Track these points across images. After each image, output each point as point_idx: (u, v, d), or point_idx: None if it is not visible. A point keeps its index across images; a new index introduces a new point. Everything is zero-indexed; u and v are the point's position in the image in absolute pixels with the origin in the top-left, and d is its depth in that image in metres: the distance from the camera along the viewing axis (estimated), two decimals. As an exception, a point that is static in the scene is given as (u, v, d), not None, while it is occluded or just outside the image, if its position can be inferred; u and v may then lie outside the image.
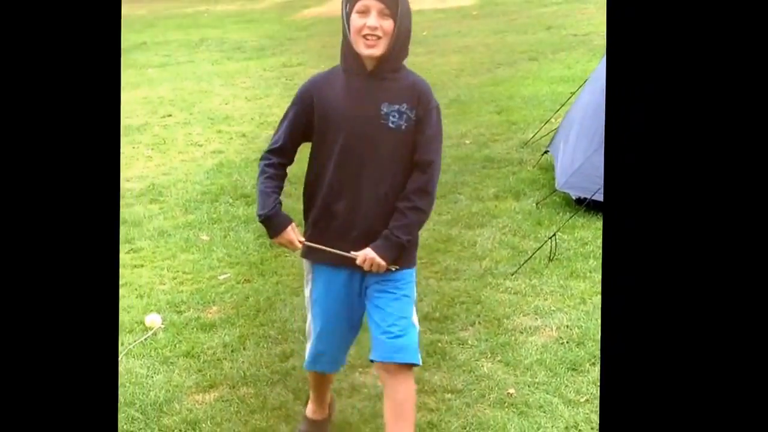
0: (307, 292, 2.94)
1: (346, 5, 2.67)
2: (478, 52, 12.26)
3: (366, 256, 2.72)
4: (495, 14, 15.44)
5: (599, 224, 5.59)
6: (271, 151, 2.84)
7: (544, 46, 12.03)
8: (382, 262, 2.71)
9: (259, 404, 3.57)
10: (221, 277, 5.02)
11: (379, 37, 2.60)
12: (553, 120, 7.55)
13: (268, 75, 11.37)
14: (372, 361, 2.86)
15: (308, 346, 3.02)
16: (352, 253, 2.73)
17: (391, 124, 2.68)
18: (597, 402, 3.47)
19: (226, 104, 9.90)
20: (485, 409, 3.46)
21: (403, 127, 2.69)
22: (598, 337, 4.02)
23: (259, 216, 2.79)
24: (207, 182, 6.90)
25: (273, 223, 2.78)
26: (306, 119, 2.77)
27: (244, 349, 4.11)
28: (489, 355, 3.89)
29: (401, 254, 2.75)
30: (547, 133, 7.30)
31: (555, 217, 5.63)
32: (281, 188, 2.82)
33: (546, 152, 6.87)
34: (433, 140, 2.74)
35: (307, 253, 2.87)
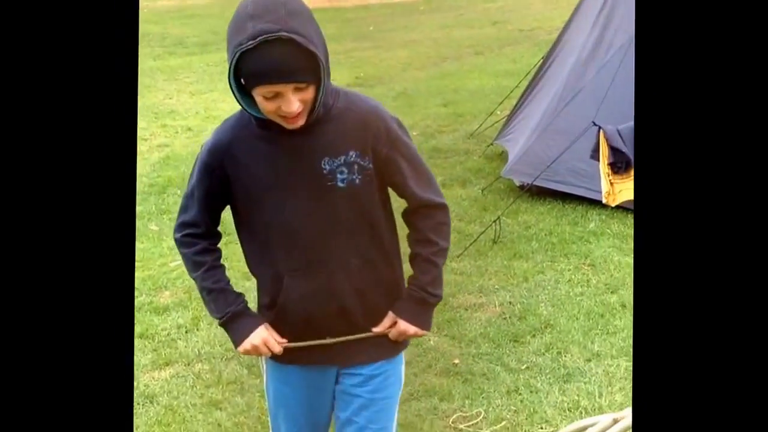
0: (266, 386, 2.28)
1: (234, 70, 1.86)
2: (425, 46, 12.49)
3: (398, 329, 2.11)
4: (442, 9, 15.71)
5: (541, 208, 5.84)
6: (190, 229, 2.12)
7: (490, 40, 12.31)
8: (420, 331, 2.14)
9: (214, 379, 3.70)
10: (172, 264, 5.11)
11: (299, 113, 1.90)
12: (498, 112, 7.80)
13: (212, 70, 11.41)
14: None
15: None
16: (374, 330, 2.12)
17: (340, 183, 1.98)
18: (537, 369, 3.69)
19: (170, 99, 9.95)
20: (432, 377, 3.63)
21: (358, 181, 1.99)
22: (539, 311, 4.26)
23: (221, 317, 2.08)
24: (154, 174, 6.97)
25: (241, 323, 2.08)
26: (222, 198, 2.10)
27: (197, 329, 4.23)
28: (435, 330, 4.06)
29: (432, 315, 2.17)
30: (492, 125, 7.53)
31: (499, 203, 5.85)
32: (227, 277, 2.14)
33: (491, 144, 7.10)
34: (417, 170, 2.07)
35: (284, 354, 2.12)
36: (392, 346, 2.15)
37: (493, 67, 10.51)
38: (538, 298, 4.45)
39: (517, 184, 6.09)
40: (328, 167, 1.97)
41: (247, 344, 2.05)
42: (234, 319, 2.06)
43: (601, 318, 4.17)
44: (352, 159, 1.97)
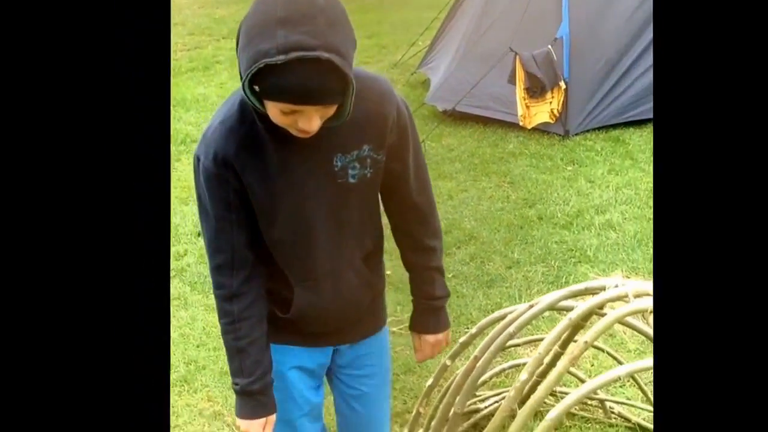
0: None
1: (247, 65, 1.49)
2: (346, -20, 12.50)
3: (430, 345, 2.05)
4: (361, -57, 15.65)
5: (463, 132, 6.13)
6: (224, 277, 1.79)
7: (410, -27, 12.40)
8: (447, 334, 2.07)
9: (159, 298, 3.90)
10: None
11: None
12: (420, 42, 8.00)
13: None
14: None
15: None
16: (418, 356, 2.09)
17: (351, 179, 1.75)
18: (462, 276, 4.00)
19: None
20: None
21: (369, 175, 1.77)
22: (464, 225, 4.56)
23: (241, 385, 1.83)
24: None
25: (249, 402, 1.86)
26: (241, 200, 1.74)
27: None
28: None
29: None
30: (415, 54, 7.74)
31: (424, 128, 6.09)
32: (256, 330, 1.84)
33: (414, 72, 7.31)
34: (418, 165, 1.86)
35: (279, 336, 1.93)
36: (383, 319, 2.06)
37: (414, 1, 10.65)
38: (462, 213, 4.75)
39: (440, 109, 6.34)
40: (339, 163, 1.72)
41: (245, 426, 1.86)
42: (242, 394, 1.84)
43: (520, 230, 4.49)
44: (365, 153, 1.74)
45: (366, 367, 2.03)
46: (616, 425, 2.84)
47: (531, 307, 2.24)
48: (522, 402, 2.11)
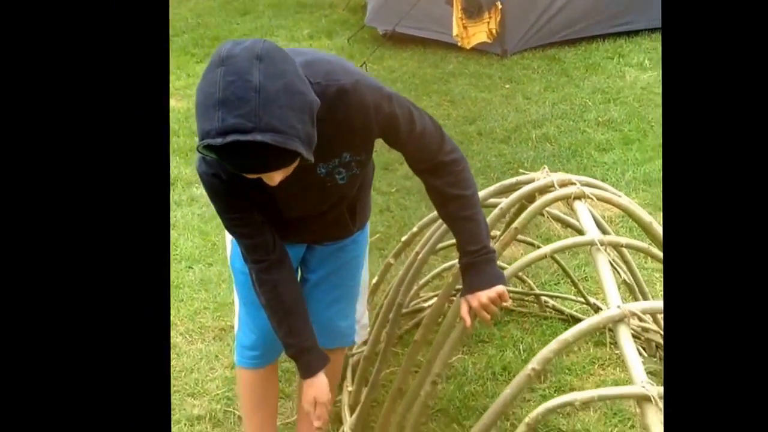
0: (232, 258, 2.15)
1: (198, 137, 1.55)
2: None
3: (481, 302, 1.90)
4: None
5: (404, 54, 6.21)
6: (260, 254, 1.89)
7: None
8: (500, 289, 1.90)
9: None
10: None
11: None
12: (359, -34, 7.99)
13: None
14: None
15: (242, 330, 2.21)
16: (467, 326, 1.93)
17: (340, 181, 1.85)
18: (405, 191, 4.13)
19: None
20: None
21: (357, 171, 1.86)
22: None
23: (297, 347, 1.95)
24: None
25: (316, 354, 1.97)
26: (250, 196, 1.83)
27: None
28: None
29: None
30: (354, -22, 7.73)
31: (365, 51, 6.16)
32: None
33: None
34: (417, 135, 1.82)
35: None
36: (361, 221, 2.12)
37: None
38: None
39: (381, 32, 6.40)
40: (324, 171, 1.80)
41: (315, 386, 1.95)
42: (300, 354, 1.95)
43: (461, 145, 4.56)
44: (347, 159, 1.81)
45: (336, 258, 2.12)
46: (551, 318, 3.04)
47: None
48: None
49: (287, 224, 1.93)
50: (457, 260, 1.96)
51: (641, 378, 1.62)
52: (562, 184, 2.06)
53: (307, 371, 1.94)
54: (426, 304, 3.01)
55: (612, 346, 2.85)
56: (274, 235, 1.88)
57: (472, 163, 4.40)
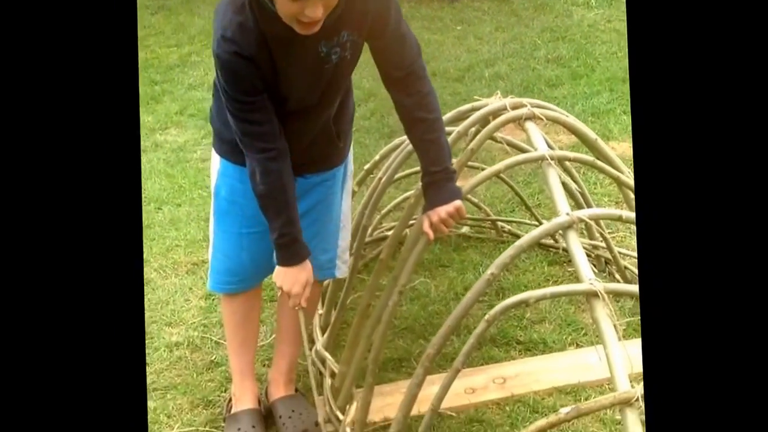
0: (216, 187, 2.24)
1: None
2: None
3: (440, 217, 2.04)
4: None
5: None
6: (269, 143, 1.98)
7: None
8: (457, 204, 2.04)
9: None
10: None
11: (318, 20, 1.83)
12: None
13: None
14: None
15: (216, 257, 2.30)
16: (426, 233, 2.07)
17: (335, 61, 1.97)
18: (364, 130, 4.26)
19: None
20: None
21: (349, 56, 1.98)
22: (363, 85, 4.78)
23: (291, 234, 2.04)
24: None
25: (303, 245, 2.08)
26: (262, 84, 1.95)
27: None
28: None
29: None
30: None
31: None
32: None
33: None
34: (399, 38, 1.97)
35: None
36: (344, 154, 2.26)
37: None
38: (361, 74, 4.94)
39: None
40: (324, 50, 1.93)
41: (293, 275, 2.06)
42: (291, 243, 2.04)
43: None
44: (344, 38, 1.94)
45: (317, 191, 2.22)
46: (507, 242, 3.21)
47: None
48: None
49: (285, 127, 2.02)
50: (414, 190, 2.11)
51: (589, 276, 1.79)
52: (514, 107, 2.20)
53: (298, 257, 2.05)
54: (388, 233, 3.16)
55: (566, 264, 3.04)
56: (279, 125, 1.98)
57: (427, 102, 4.54)
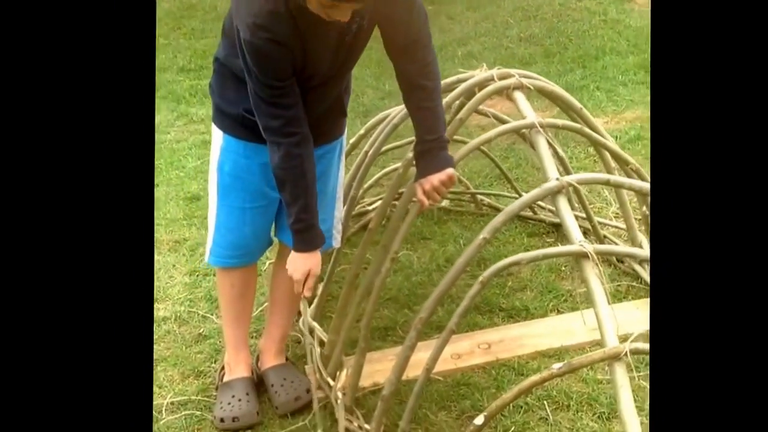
0: (219, 163, 2.25)
1: None
2: None
3: (432, 185, 2.07)
4: None
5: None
6: (295, 127, 2.01)
7: None
8: (450, 171, 2.07)
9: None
10: None
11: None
12: None
13: None
14: (279, 240, 2.40)
15: (219, 232, 2.31)
16: (420, 201, 2.11)
17: (351, 37, 2.00)
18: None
19: None
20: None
21: (366, 25, 2.01)
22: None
23: (307, 221, 2.06)
24: None
25: (318, 234, 2.11)
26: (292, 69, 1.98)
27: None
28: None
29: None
30: None
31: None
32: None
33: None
34: (409, 8, 2.00)
35: (247, 132, 2.16)
36: (342, 128, 2.31)
37: None
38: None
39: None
40: (347, 24, 1.93)
41: (303, 260, 2.08)
42: (308, 229, 2.07)
43: (389, 65, 4.78)
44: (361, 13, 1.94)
45: (319, 165, 2.19)
46: (487, 214, 3.27)
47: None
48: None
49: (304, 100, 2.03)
50: (402, 161, 2.16)
51: (579, 238, 1.85)
52: (502, 77, 2.25)
53: (311, 245, 2.08)
54: (370, 208, 3.21)
55: (544, 235, 3.11)
56: (303, 110, 2.00)
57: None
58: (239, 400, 2.33)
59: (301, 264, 2.09)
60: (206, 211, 3.35)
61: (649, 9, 5.37)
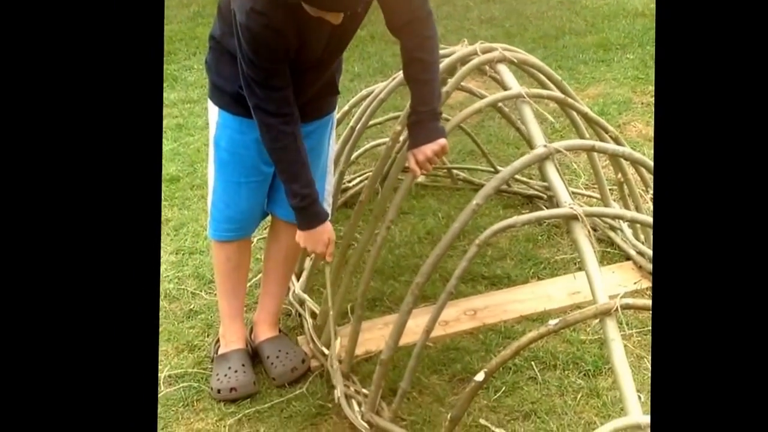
0: (216, 138, 2.31)
1: None
2: None
3: (425, 156, 2.13)
4: None
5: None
6: (286, 108, 2.08)
7: None
8: (441, 142, 2.13)
9: None
10: None
11: None
12: None
13: None
14: (271, 213, 2.46)
15: (216, 207, 2.37)
16: (413, 170, 2.16)
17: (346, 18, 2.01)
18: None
19: None
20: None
21: (360, 9, 2.04)
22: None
23: (311, 196, 2.13)
24: None
25: (321, 208, 2.21)
26: (285, 55, 2.05)
27: None
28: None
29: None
30: None
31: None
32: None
33: None
34: None
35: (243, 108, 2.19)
36: (334, 102, 2.39)
37: None
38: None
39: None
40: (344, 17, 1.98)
41: (326, 239, 2.19)
42: (311, 205, 2.14)
43: (356, 48, 4.86)
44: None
45: (307, 142, 2.24)
46: (462, 188, 3.37)
47: (393, 80, 2.63)
48: (384, 179, 2.55)
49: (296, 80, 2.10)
50: (382, 140, 2.20)
51: (568, 201, 1.95)
52: (485, 51, 2.33)
53: (318, 219, 2.18)
54: (350, 184, 3.28)
55: (519, 207, 3.22)
56: (292, 92, 2.08)
57: (369, 63, 4.64)
58: (235, 371, 2.39)
59: (314, 239, 2.19)
60: (187, 192, 3.44)
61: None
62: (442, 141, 2.14)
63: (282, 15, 1.96)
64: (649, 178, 2.67)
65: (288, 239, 2.41)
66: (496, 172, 3.35)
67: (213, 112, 2.29)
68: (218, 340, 2.51)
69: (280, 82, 2.05)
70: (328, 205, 2.48)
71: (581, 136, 2.66)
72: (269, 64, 2.02)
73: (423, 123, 2.14)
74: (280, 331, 2.56)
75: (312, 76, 2.18)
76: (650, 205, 2.84)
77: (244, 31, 1.98)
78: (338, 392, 2.26)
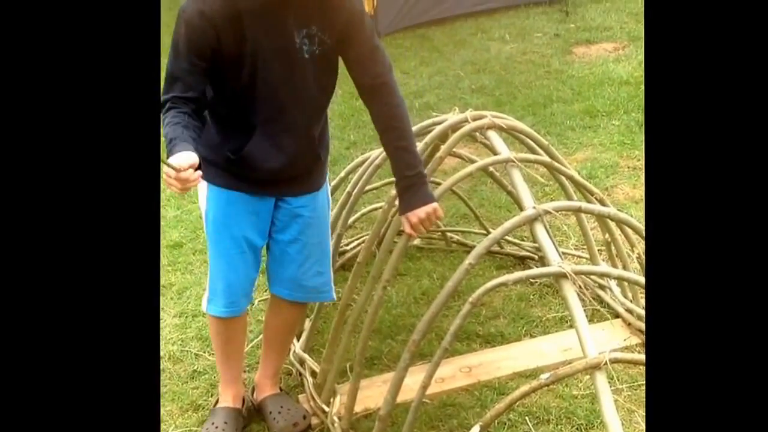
0: (206, 215, 2.35)
1: None
2: None
3: (416, 220, 2.25)
4: None
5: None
6: (181, 94, 2.06)
7: None
8: (431, 207, 2.25)
9: None
10: None
11: None
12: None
13: None
14: (272, 292, 2.52)
15: (211, 279, 2.40)
16: (412, 234, 2.29)
17: (305, 54, 2.14)
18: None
19: None
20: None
21: (317, 52, 2.15)
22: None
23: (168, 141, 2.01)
24: None
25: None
26: (207, 61, 2.09)
27: None
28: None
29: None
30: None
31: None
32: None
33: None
34: (374, 52, 2.21)
35: (230, 181, 2.28)
36: (322, 178, 2.40)
37: None
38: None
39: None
40: (298, 40, 2.10)
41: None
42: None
43: (352, 117, 5.01)
44: (313, 32, 2.12)
45: (302, 218, 2.34)
46: (457, 251, 3.48)
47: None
48: (380, 242, 2.66)
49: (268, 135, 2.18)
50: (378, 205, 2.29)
51: (557, 260, 2.06)
52: (475, 119, 2.47)
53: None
54: (348, 247, 3.39)
55: (511, 267, 3.32)
56: (199, 101, 2.09)
57: (365, 132, 4.78)
58: (216, 427, 2.47)
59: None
60: (189, 257, 3.54)
61: (587, 60, 5.72)
62: (435, 204, 2.26)
63: (220, 8, 2.03)
64: (635, 237, 2.79)
65: (288, 314, 2.54)
66: (489, 234, 3.47)
67: (202, 185, 2.32)
68: (218, 399, 2.59)
69: (195, 80, 2.07)
70: (334, 292, 2.56)
71: (569, 198, 2.78)
72: (187, 53, 2.04)
73: (414, 187, 2.25)
74: (281, 389, 2.64)
75: (286, 125, 2.20)
76: (636, 264, 2.94)
77: (180, 16, 2.06)
78: (339, 448, 2.33)
